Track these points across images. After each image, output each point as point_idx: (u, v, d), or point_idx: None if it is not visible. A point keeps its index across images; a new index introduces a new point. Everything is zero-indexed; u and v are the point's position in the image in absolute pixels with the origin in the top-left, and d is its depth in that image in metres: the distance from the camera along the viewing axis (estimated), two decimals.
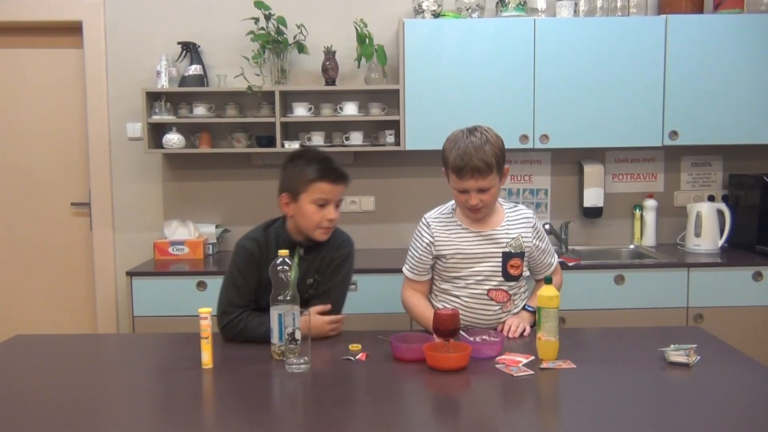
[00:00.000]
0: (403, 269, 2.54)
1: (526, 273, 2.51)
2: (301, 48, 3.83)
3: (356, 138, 3.80)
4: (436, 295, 2.51)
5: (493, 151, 2.30)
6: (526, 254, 2.46)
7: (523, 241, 2.44)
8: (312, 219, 2.30)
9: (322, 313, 2.33)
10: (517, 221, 2.47)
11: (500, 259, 2.41)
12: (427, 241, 2.44)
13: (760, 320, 3.51)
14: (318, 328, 2.29)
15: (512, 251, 2.42)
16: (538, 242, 2.48)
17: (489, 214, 2.44)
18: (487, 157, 2.28)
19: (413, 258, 2.49)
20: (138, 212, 4.08)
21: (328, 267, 2.39)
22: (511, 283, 2.44)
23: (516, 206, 2.53)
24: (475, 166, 2.28)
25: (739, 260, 3.62)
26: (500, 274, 2.42)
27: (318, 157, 2.35)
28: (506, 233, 2.43)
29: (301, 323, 2.10)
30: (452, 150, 2.34)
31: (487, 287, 2.41)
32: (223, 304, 2.33)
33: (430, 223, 2.47)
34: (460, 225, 2.44)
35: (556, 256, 2.58)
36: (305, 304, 2.32)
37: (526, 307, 2.48)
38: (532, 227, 2.48)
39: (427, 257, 2.45)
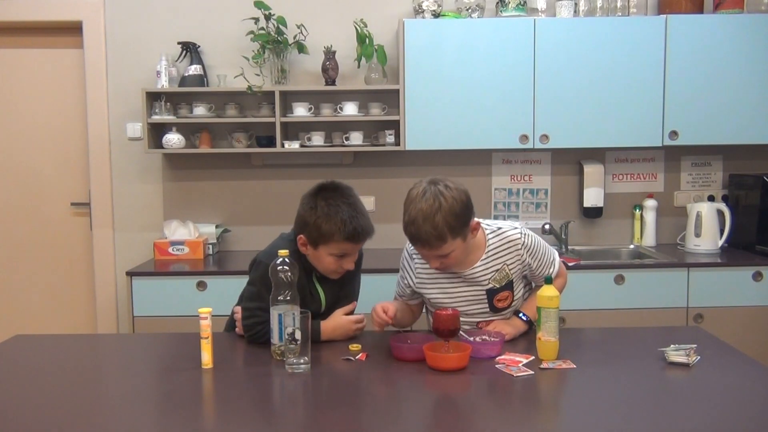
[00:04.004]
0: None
1: (520, 289, 2.39)
2: (301, 48, 3.83)
3: (356, 138, 3.80)
4: (431, 313, 2.44)
5: (445, 219, 2.06)
6: (515, 280, 2.31)
7: (510, 270, 2.29)
8: (328, 267, 2.26)
9: (347, 313, 2.33)
10: (499, 249, 2.28)
11: (485, 297, 2.31)
12: (408, 282, 2.36)
13: (760, 320, 3.51)
14: (345, 329, 2.30)
15: (497, 286, 2.29)
16: (530, 260, 2.30)
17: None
18: (436, 228, 2.06)
19: (399, 286, 2.42)
20: (138, 212, 4.08)
21: (346, 275, 2.36)
22: (503, 312, 2.35)
23: (500, 229, 2.30)
24: (423, 238, 2.09)
25: (739, 260, 3.62)
26: (488, 309, 2.33)
27: (342, 209, 2.19)
28: (487, 268, 2.27)
29: (324, 327, 2.23)
30: (405, 213, 2.13)
31: (476, 320, 2.35)
32: (249, 321, 2.26)
33: (413, 256, 2.34)
34: None
35: (556, 262, 2.37)
36: (330, 310, 2.34)
37: (520, 315, 2.34)
38: (521, 247, 2.28)
39: (411, 291, 2.38)
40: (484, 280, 2.29)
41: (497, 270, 2.28)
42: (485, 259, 2.28)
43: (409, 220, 2.11)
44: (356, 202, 2.26)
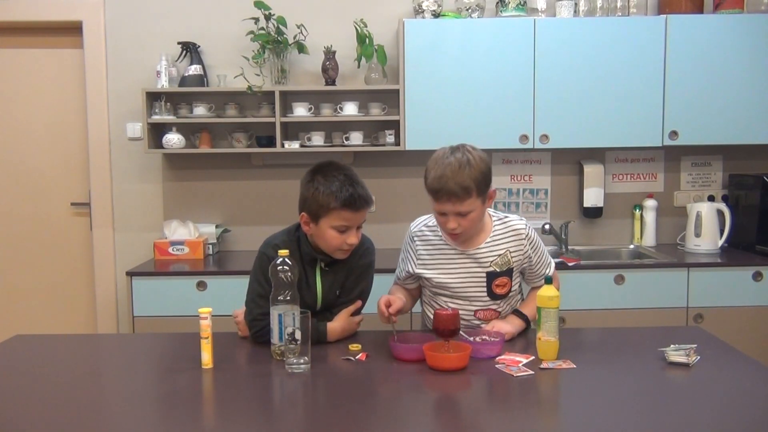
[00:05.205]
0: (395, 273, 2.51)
1: (517, 282, 2.42)
2: (301, 48, 3.83)
3: (356, 138, 3.80)
4: (426, 303, 2.48)
5: (471, 174, 2.15)
6: (515, 269, 2.35)
7: (512, 257, 2.33)
8: (332, 243, 2.24)
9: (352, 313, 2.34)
10: (504, 235, 2.34)
11: (484, 279, 2.33)
12: (408, 264, 2.38)
13: (760, 320, 3.51)
14: (351, 331, 2.33)
15: (497, 270, 2.32)
16: (531, 253, 2.35)
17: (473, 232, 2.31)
18: (464, 181, 2.14)
19: (399, 269, 2.46)
20: (138, 212, 4.08)
21: (350, 276, 2.35)
22: (499, 301, 2.36)
23: (506, 218, 2.38)
24: (450, 189, 2.14)
25: (739, 260, 3.62)
26: (486, 294, 2.34)
27: (339, 179, 2.21)
28: (490, 251, 2.32)
29: (330, 329, 2.25)
30: (431, 170, 2.20)
31: (473, 308, 2.35)
32: (254, 313, 2.27)
33: (414, 238, 2.39)
34: (443, 241, 2.35)
35: (552, 264, 2.43)
36: (330, 310, 2.34)
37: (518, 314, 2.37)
38: (525, 238, 2.34)
39: (409, 274, 2.40)
40: (486, 262, 2.33)
41: (500, 255, 2.33)
42: (490, 241, 2.33)
43: (436, 174, 2.17)
44: (353, 175, 2.28)
